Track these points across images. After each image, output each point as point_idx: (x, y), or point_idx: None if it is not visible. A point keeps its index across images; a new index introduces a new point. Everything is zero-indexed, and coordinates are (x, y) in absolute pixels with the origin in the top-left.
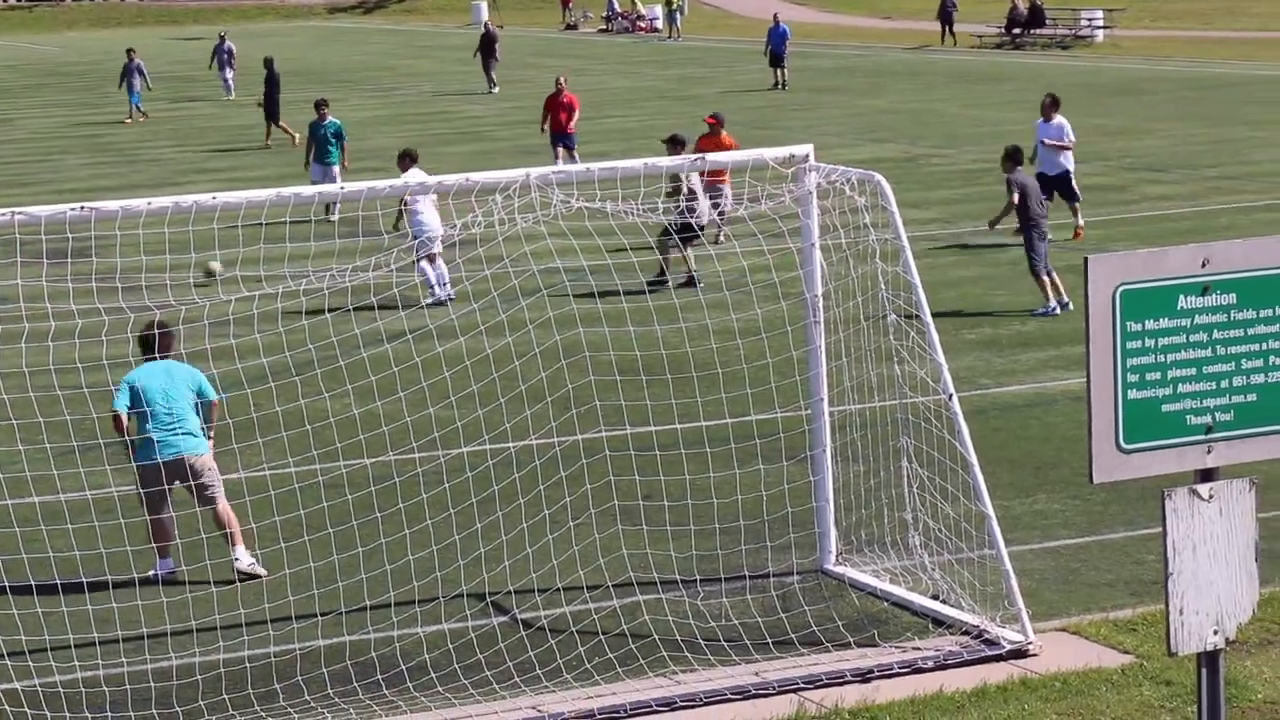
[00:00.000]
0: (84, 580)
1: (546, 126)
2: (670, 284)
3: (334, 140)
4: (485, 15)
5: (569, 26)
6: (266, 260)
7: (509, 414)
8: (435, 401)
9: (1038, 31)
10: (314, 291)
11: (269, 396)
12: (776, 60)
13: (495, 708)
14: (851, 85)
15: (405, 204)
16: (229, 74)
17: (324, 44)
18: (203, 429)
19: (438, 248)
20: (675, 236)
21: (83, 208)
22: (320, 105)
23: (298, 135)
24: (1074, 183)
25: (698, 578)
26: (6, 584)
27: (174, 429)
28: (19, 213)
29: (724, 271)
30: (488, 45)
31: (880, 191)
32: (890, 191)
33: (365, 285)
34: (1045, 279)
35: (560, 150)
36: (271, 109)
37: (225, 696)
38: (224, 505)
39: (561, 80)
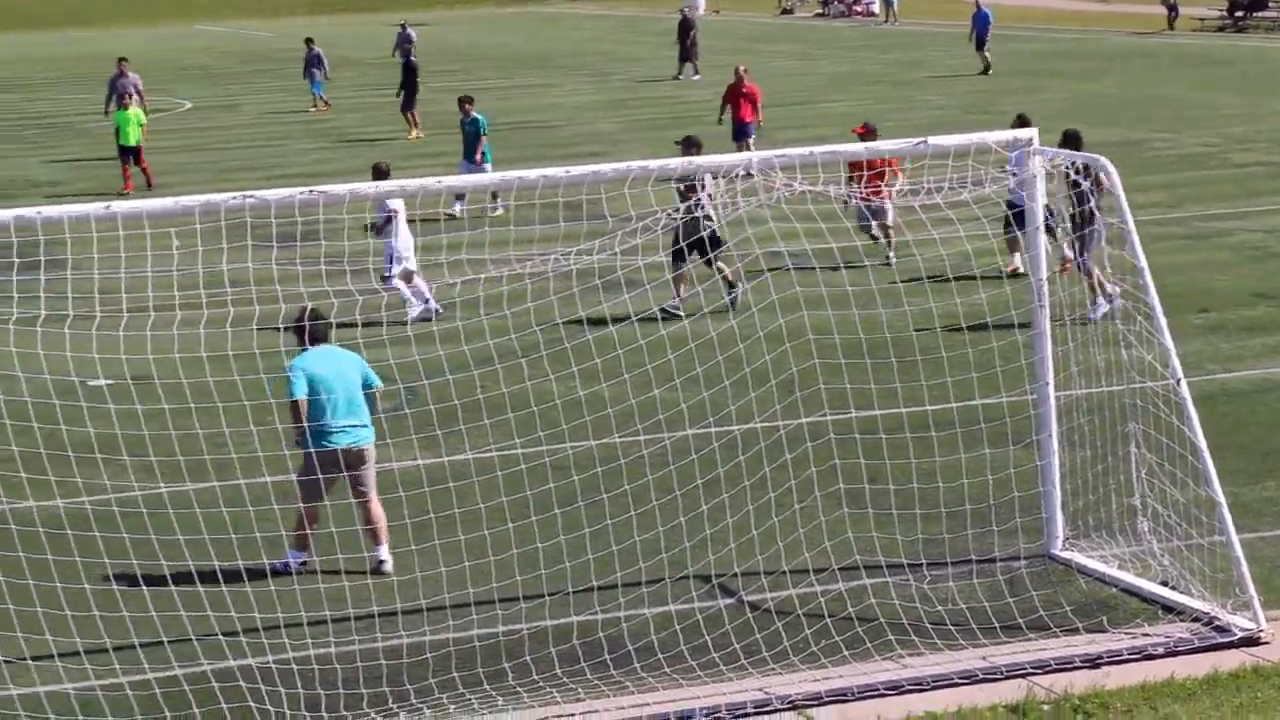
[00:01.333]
0: (316, 559)
1: (725, 117)
2: (682, 310)
3: (475, 134)
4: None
5: (785, 11)
6: (493, 244)
7: (734, 397)
8: (660, 384)
9: (1261, 14)
10: (539, 274)
11: (495, 379)
12: (980, 44)
13: (722, 689)
14: (1068, 69)
15: (390, 216)
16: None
17: (536, 30)
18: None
19: (412, 265)
20: (685, 247)
21: (311, 191)
22: (463, 101)
23: (421, 133)
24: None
25: (924, 561)
26: (241, 563)
27: (352, 417)
28: (249, 196)
29: (948, 255)
30: (685, 31)
31: (1106, 175)
32: (1116, 175)
33: (590, 268)
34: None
35: (740, 144)
36: (408, 99)
37: (455, 675)
38: (377, 501)
39: (742, 70)
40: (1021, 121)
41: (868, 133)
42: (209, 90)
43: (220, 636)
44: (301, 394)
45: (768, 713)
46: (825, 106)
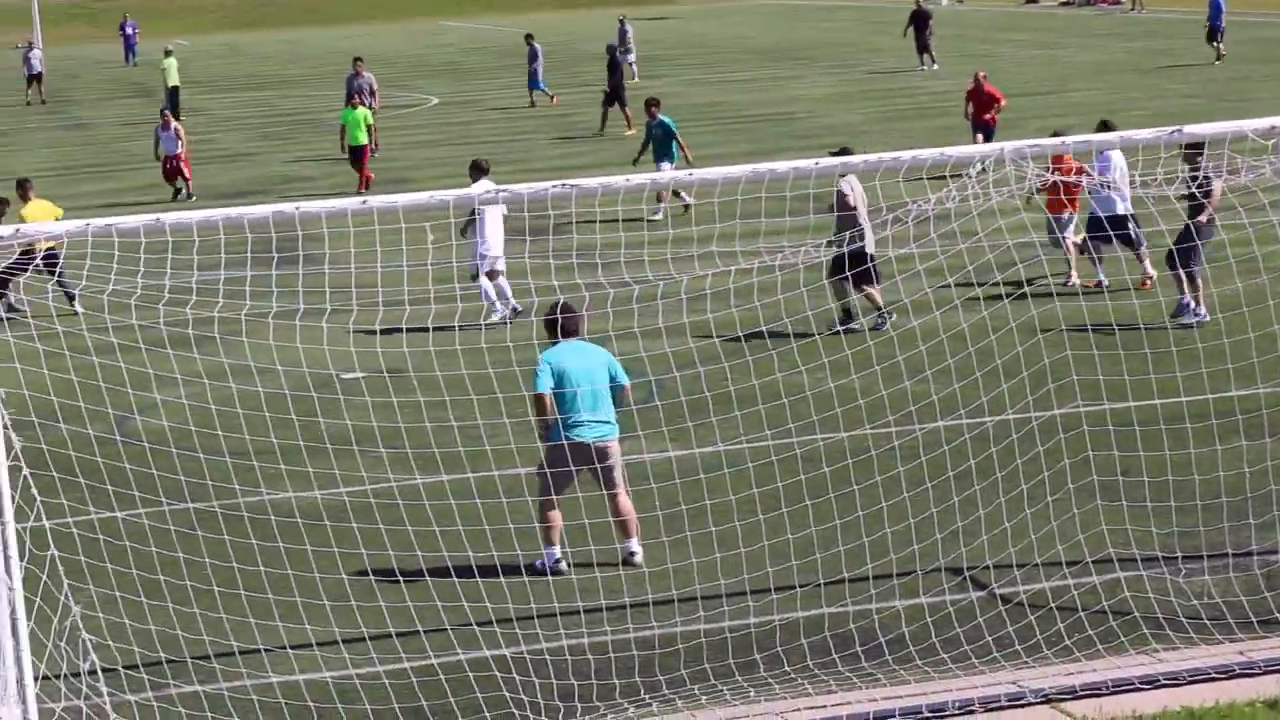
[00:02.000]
0: (568, 551)
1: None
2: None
3: (665, 138)
4: None
5: (1029, 0)
6: (743, 236)
7: (985, 389)
8: (911, 376)
9: None
10: (789, 266)
11: (746, 370)
12: (1212, 36)
13: (974, 682)
14: None
15: (475, 214)
16: (631, 57)
17: (780, 22)
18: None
19: (500, 265)
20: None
21: (564, 185)
22: (650, 105)
23: (636, 128)
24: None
25: (1179, 554)
26: (495, 554)
27: (597, 412)
28: (502, 190)
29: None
30: (920, 22)
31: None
32: None
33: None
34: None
35: (979, 138)
36: (614, 94)
37: (707, 666)
38: (626, 494)
39: (981, 76)
40: (1104, 125)
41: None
42: (456, 86)
43: (475, 626)
44: (546, 388)
45: (1021, 706)
46: (1071, 96)
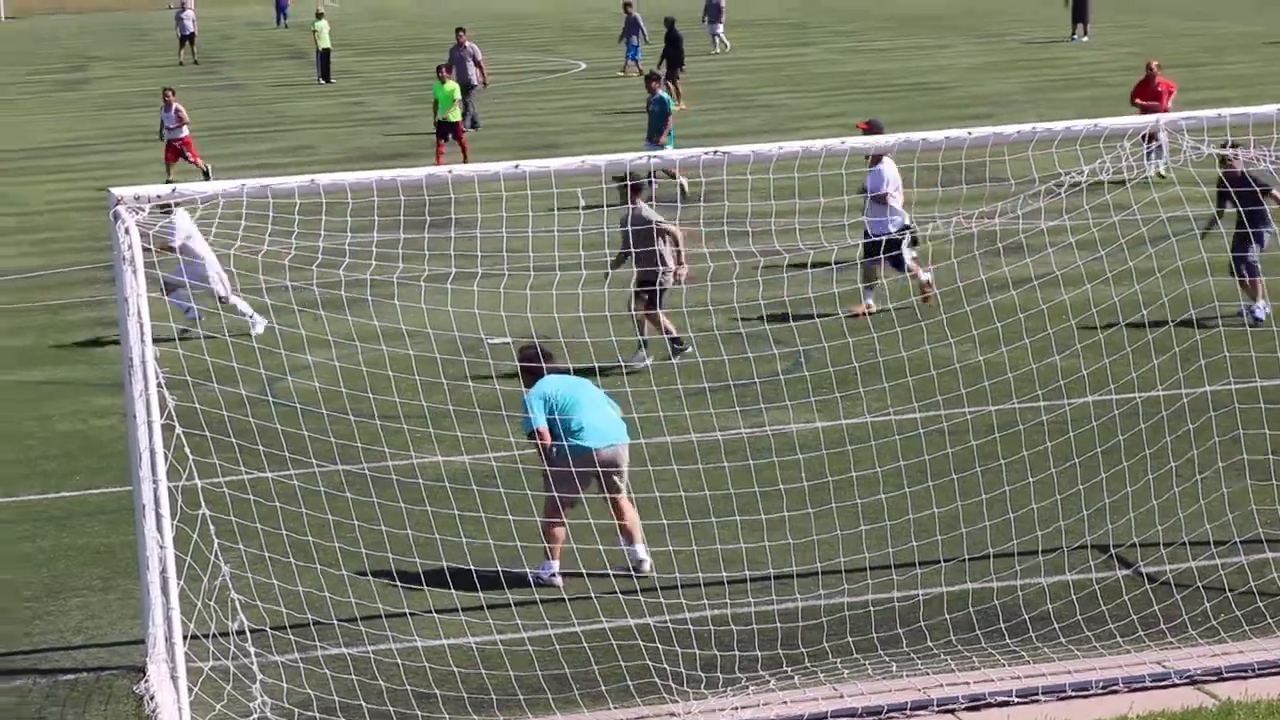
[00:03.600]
0: (713, 521)
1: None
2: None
3: (661, 116)
4: None
5: None
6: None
7: (1135, 364)
8: (1060, 350)
9: None
10: (940, 237)
11: (893, 341)
12: None
13: (1119, 661)
14: None
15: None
16: (719, 28)
17: None
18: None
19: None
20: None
21: (715, 152)
22: (650, 80)
23: (683, 103)
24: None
25: None
26: (641, 523)
27: (601, 418)
28: (653, 156)
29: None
30: None
31: None
32: None
33: (991, 231)
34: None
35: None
36: (671, 69)
37: (849, 639)
38: (630, 499)
39: (1154, 65)
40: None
41: (871, 129)
42: (605, 51)
43: (619, 595)
44: (543, 423)
45: (1165, 687)
46: (1229, 68)
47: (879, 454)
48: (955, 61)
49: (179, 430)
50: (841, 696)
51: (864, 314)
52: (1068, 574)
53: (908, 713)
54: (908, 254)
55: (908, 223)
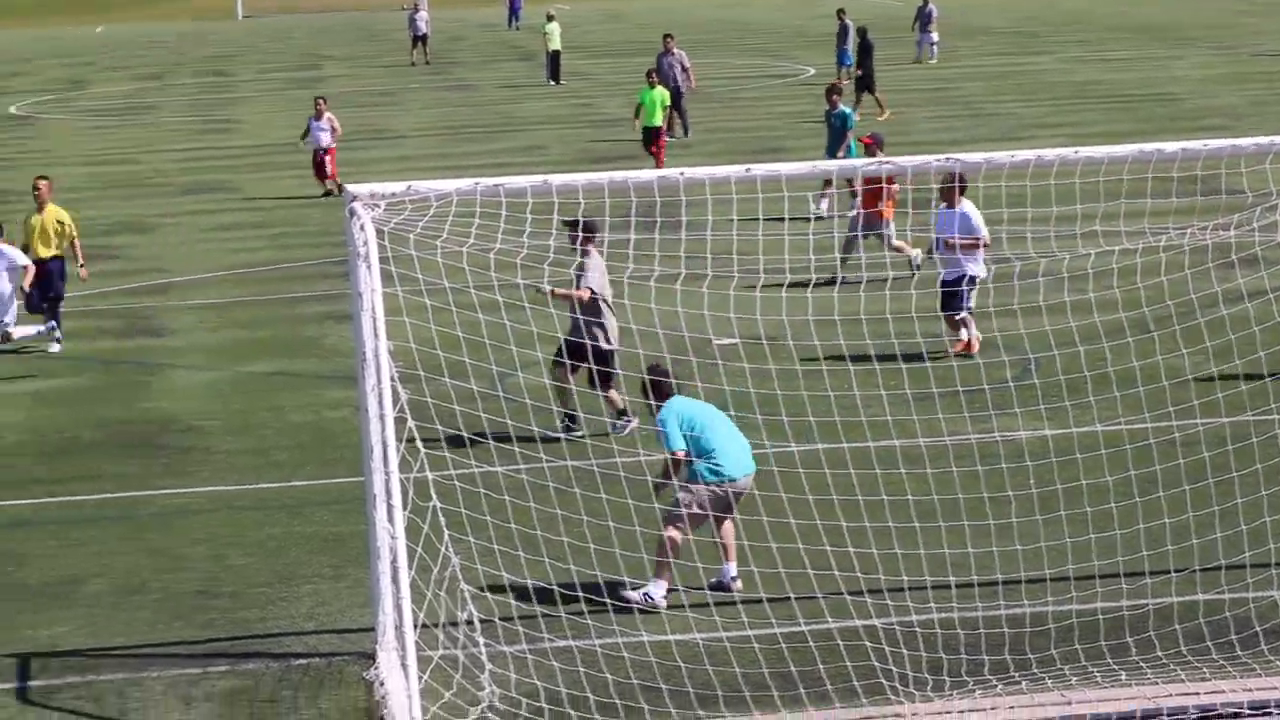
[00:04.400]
0: (941, 525)
1: None
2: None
3: (842, 130)
4: None
5: None
6: (1127, 215)
7: None
8: None
9: None
10: (1174, 248)
11: (1126, 351)
12: None
13: None
14: None
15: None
16: (932, 35)
17: None
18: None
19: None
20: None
21: (948, 159)
22: (830, 93)
23: (888, 112)
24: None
25: None
26: (867, 524)
27: (745, 447)
28: (886, 163)
29: None
30: None
31: None
32: None
33: (1226, 243)
34: None
35: None
36: (867, 76)
37: (1077, 647)
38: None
39: None
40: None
41: (874, 145)
42: (832, 58)
43: (846, 595)
44: (681, 447)
45: None
46: None
47: (1109, 463)
48: (1189, 73)
49: (411, 423)
50: (1069, 704)
51: (965, 349)
52: None
53: None
54: (969, 304)
55: (977, 273)
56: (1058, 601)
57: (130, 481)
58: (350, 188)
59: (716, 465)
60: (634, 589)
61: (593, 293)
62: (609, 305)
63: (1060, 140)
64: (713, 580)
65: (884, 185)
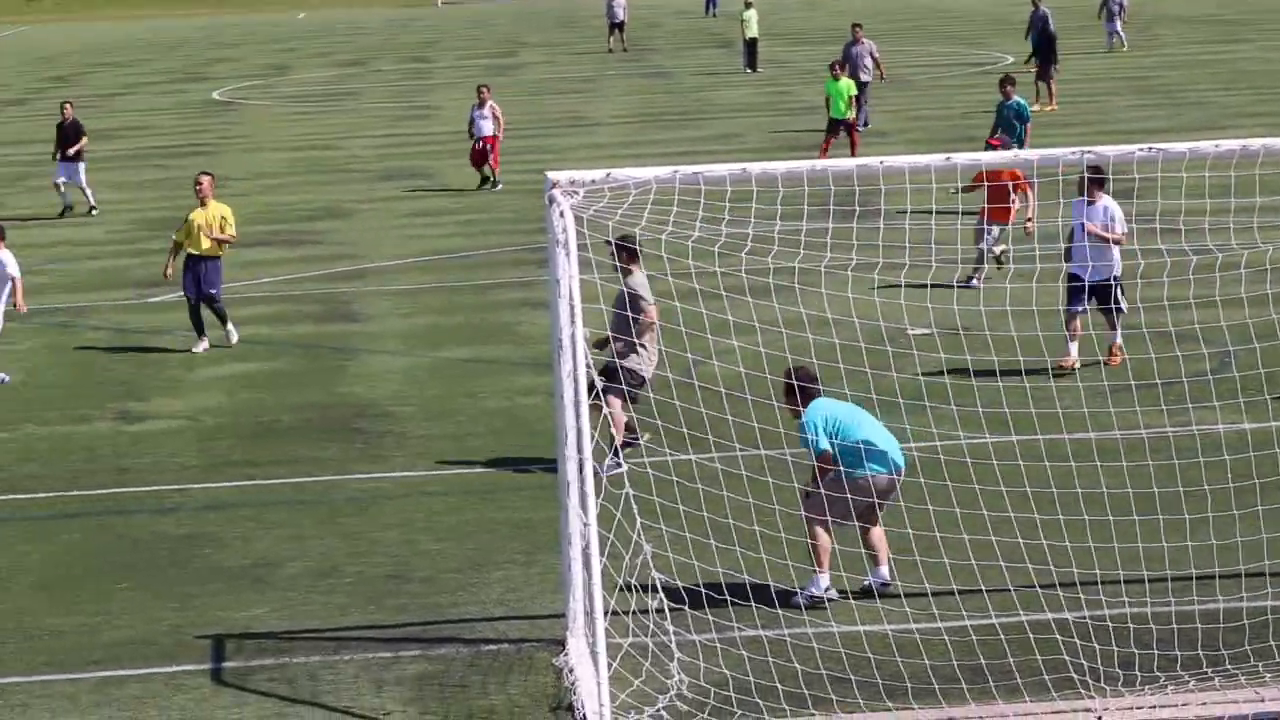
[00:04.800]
0: (1135, 519)
1: None
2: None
3: (1016, 121)
4: None
5: None
6: None
7: None
8: None
9: None
10: None
11: None
12: None
13: None
14: None
15: None
16: (1117, 25)
17: None
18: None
19: None
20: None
21: (1150, 148)
22: (1004, 83)
23: (1055, 105)
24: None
25: None
26: (1061, 517)
27: (893, 445)
28: (1088, 152)
29: None
30: None
31: None
32: None
33: None
34: None
35: None
36: (1044, 66)
37: (1272, 643)
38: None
39: None
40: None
41: (1000, 146)
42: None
43: (1038, 589)
44: (828, 446)
45: None
46: None
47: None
48: None
49: (606, 411)
50: (1263, 700)
51: (1071, 368)
52: None
53: None
54: (1123, 302)
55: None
56: (1253, 597)
57: (326, 465)
58: (550, 174)
59: (858, 462)
60: (800, 593)
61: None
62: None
63: (1263, 129)
64: (865, 583)
65: (1010, 183)
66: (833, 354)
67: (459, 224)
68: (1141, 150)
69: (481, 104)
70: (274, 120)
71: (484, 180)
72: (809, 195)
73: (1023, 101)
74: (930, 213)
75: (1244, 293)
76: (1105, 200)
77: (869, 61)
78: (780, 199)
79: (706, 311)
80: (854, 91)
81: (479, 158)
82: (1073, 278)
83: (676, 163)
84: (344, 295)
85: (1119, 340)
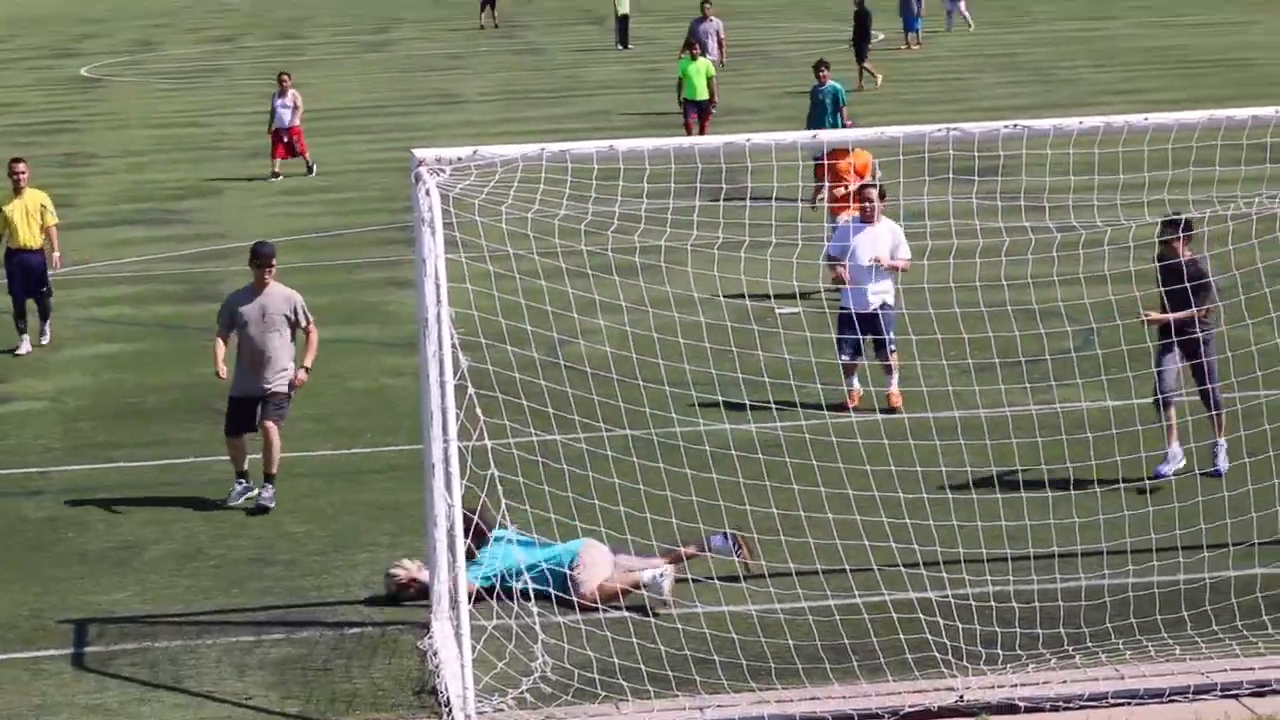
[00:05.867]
0: (998, 497)
1: None
2: None
3: (831, 105)
4: None
5: None
6: (1195, 184)
7: None
8: None
9: None
10: (1241, 216)
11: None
12: None
13: None
14: None
15: None
16: (961, 4)
17: None
18: None
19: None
20: None
21: (1016, 125)
22: (819, 67)
23: (881, 77)
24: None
25: None
26: (925, 495)
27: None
28: (953, 129)
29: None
30: None
31: None
32: None
33: None
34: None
35: None
36: (859, 49)
37: (1133, 621)
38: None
39: None
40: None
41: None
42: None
43: (901, 568)
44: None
45: None
46: None
47: (1196, 430)
48: (1265, 38)
49: (470, 391)
50: (1123, 678)
51: (852, 405)
52: None
53: (1190, 696)
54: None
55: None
56: (1114, 575)
57: (191, 447)
58: (417, 152)
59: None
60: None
61: None
62: None
63: (1131, 107)
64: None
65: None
66: (699, 333)
67: (327, 203)
68: (1006, 127)
69: (283, 92)
70: (143, 97)
71: (273, 174)
72: (676, 173)
73: (838, 86)
74: (798, 189)
75: (1107, 270)
76: (886, 222)
77: (713, 43)
78: (647, 177)
79: (573, 290)
80: (713, 73)
81: (284, 149)
82: (843, 307)
83: (546, 140)
84: (210, 275)
85: (894, 388)
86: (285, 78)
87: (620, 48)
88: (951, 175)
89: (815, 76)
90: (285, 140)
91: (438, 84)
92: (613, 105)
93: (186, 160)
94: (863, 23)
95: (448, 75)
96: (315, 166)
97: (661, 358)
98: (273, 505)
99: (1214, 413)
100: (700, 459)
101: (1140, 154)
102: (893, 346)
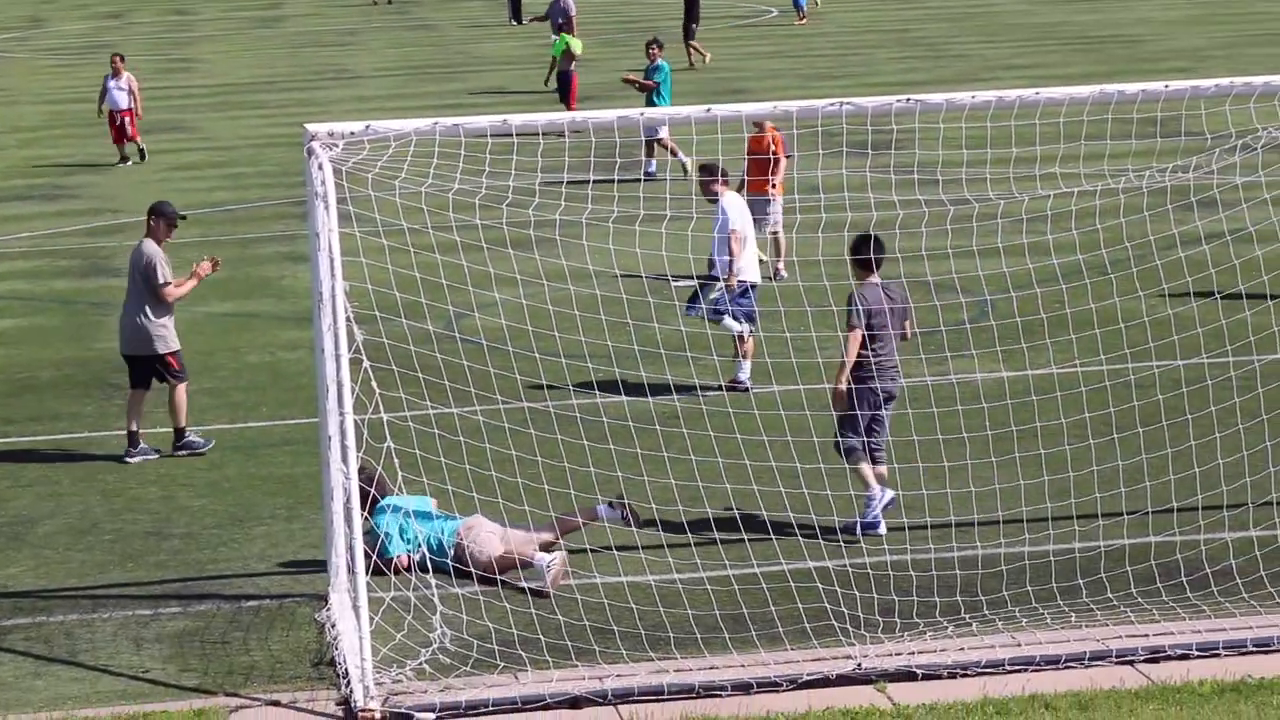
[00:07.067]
0: (895, 467)
1: None
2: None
3: (660, 85)
4: None
5: None
6: (1086, 158)
7: None
8: (1252, 307)
9: None
10: (1132, 190)
11: (1083, 293)
12: None
13: None
14: None
15: None
16: None
17: None
18: None
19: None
20: None
21: (909, 100)
22: (651, 45)
23: (710, 55)
24: None
25: None
26: (822, 466)
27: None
28: (846, 103)
29: None
30: None
31: None
32: None
33: (1184, 185)
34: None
35: None
36: (687, 29)
37: (1029, 589)
38: None
39: None
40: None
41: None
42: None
43: (799, 537)
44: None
45: None
46: None
47: (1064, 406)
48: (1153, 14)
49: (366, 364)
50: (1019, 645)
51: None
52: (1253, 530)
53: (1086, 663)
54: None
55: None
56: (1010, 543)
57: (84, 422)
58: (309, 127)
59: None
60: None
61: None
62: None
63: (1022, 82)
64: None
65: (773, 155)
66: (595, 306)
67: (221, 177)
68: (899, 102)
69: (116, 74)
70: (32, 73)
71: (123, 159)
72: (570, 147)
73: (665, 65)
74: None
75: (1000, 243)
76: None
77: (561, 20)
78: (541, 151)
79: (468, 264)
80: (579, 49)
81: (118, 133)
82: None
83: (441, 115)
84: (104, 250)
85: (743, 375)
86: (118, 59)
87: (514, 23)
88: (845, 149)
89: (646, 55)
90: (119, 124)
91: (331, 60)
92: (507, 80)
93: (78, 136)
94: (690, 5)
95: (341, 51)
96: (146, 153)
97: (558, 331)
98: None
99: None
100: (597, 431)
101: (1032, 128)
102: (753, 330)
